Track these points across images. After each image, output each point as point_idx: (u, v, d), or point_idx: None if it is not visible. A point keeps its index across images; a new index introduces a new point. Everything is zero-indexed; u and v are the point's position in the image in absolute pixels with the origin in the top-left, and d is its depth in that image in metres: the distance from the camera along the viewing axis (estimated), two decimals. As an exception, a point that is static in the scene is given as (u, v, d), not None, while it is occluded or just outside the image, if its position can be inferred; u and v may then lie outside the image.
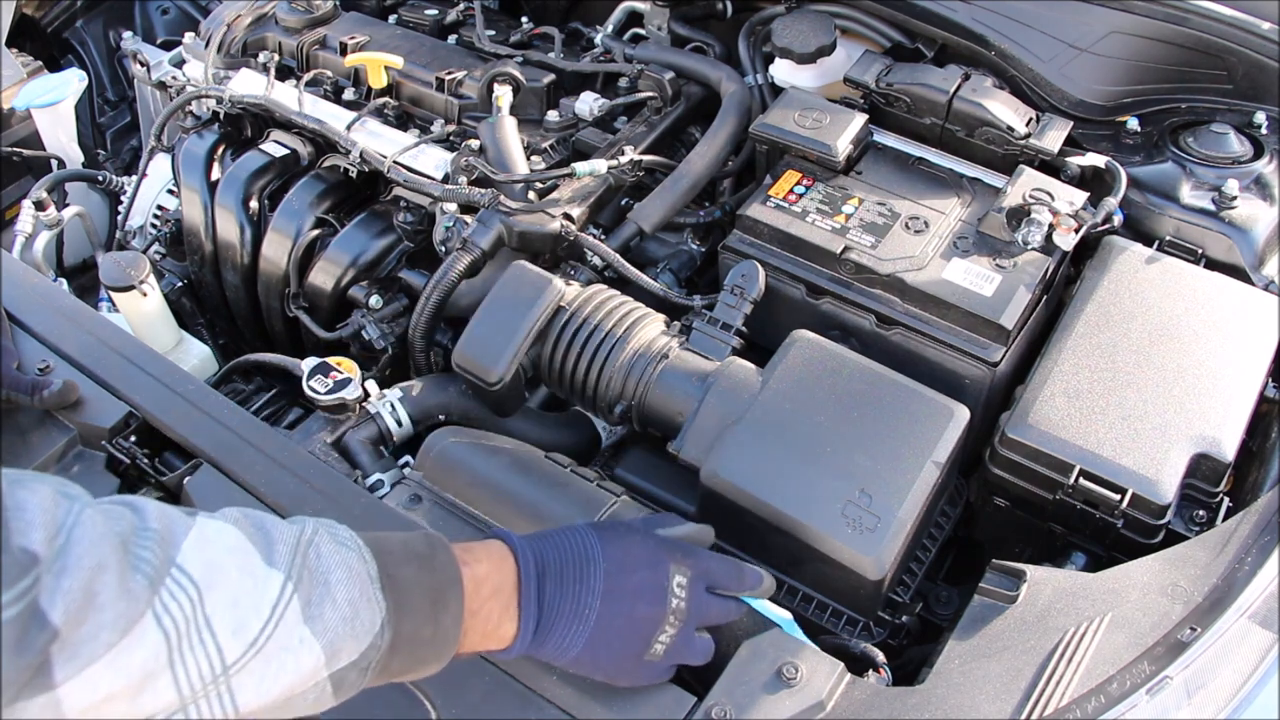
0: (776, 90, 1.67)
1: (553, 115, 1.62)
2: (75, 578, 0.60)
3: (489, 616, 0.83)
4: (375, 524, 1.04)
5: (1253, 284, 1.33)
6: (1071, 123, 1.44)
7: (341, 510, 1.05)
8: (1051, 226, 1.27)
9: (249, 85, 1.68)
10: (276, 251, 1.57)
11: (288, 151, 1.63)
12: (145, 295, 1.49)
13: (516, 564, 0.85)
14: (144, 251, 1.73)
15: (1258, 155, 1.43)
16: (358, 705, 0.91)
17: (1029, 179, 1.34)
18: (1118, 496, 1.09)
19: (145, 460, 1.13)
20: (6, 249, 1.63)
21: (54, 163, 1.94)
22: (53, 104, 1.89)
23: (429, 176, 1.51)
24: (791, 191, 1.38)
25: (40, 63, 2.02)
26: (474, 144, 1.50)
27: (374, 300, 1.50)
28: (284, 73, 1.73)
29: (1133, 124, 1.50)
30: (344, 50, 1.69)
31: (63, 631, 0.59)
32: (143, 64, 1.88)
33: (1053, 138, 1.41)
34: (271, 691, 0.69)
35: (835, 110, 1.45)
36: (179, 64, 1.84)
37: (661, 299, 1.40)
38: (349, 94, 1.68)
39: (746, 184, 1.66)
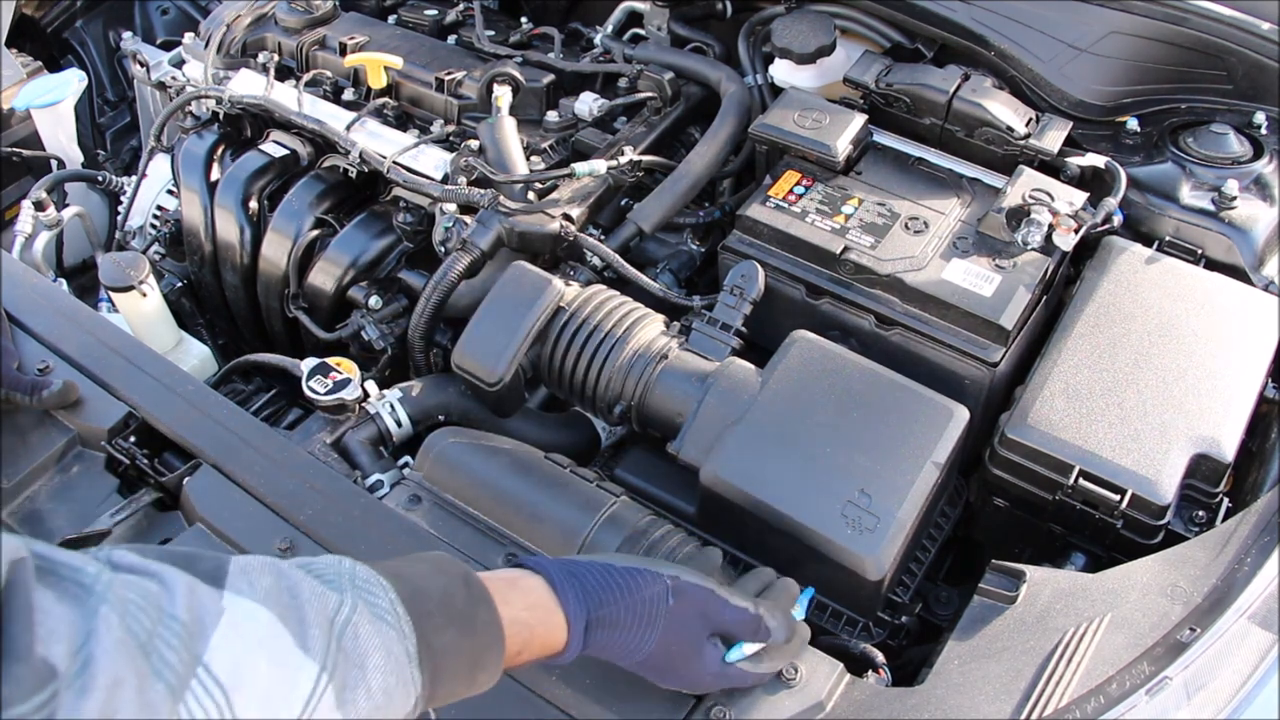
0: (776, 90, 1.67)
1: (552, 115, 1.62)
2: (94, 701, 0.56)
3: (529, 657, 0.82)
4: (375, 524, 1.04)
5: (1252, 284, 1.33)
6: (1071, 123, 1.44)
7: (341, 511, 1.05)
8: (1051, 227, 1.27)
9: (249, 85, 1.68)
10: (276, 252, 1.57)
11: (287, 152, 1.63)
12: (145, 295, 1.49)
13: (566, 650, 0.83)
14: (144, 252, 1.74)
15: (1257, 155, 1.43)
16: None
17: (1029, 179, 1.34)
18: (1117, 497, 1.09)
19: (145, 460, 1.13)
20: (6, 249, 1.63)
21: (54, 163, 1.94)
22: (53, 104, 1.89)
23: (428, 177, 1.51)
24: (791, 192, 1.38)
25: (40, 63, 2.02)
26: (473, 144, 1.50)
27: (373, 301, 1.50)
28: (284, 73, 1.73)
29: (1132, 124, 1.50)
30: (344, 50, 1.69)
31: None
32: (142, 64, 1.88)
33: (1052, 138, 1.41)
34: None
35: (835, 110, 1.45)
36: (179, 64, 1.84)
37: (661, 299, 1.40)
38: (349, 94, 1.68)
39: (746, 184, 1.66)
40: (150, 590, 0.62)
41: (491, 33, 1.79)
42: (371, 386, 1.30)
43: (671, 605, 0.87)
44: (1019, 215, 1.29)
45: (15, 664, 0.53)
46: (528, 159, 1.50)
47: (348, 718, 0.67)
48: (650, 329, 1.26)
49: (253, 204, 1.61)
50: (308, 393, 1.25)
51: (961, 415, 1.11)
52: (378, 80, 1.64)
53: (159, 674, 0.60)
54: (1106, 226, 1.34)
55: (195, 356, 1.58)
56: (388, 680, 0.70)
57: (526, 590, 0.83)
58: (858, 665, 1.00)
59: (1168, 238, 1.38)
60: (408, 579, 0.76)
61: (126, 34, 2.15)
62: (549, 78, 1.64)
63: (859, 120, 1.43)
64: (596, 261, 1.44)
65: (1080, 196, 1.32)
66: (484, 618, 0.78)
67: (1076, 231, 1.27)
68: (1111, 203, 1.33)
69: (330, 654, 0.67)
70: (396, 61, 1.62)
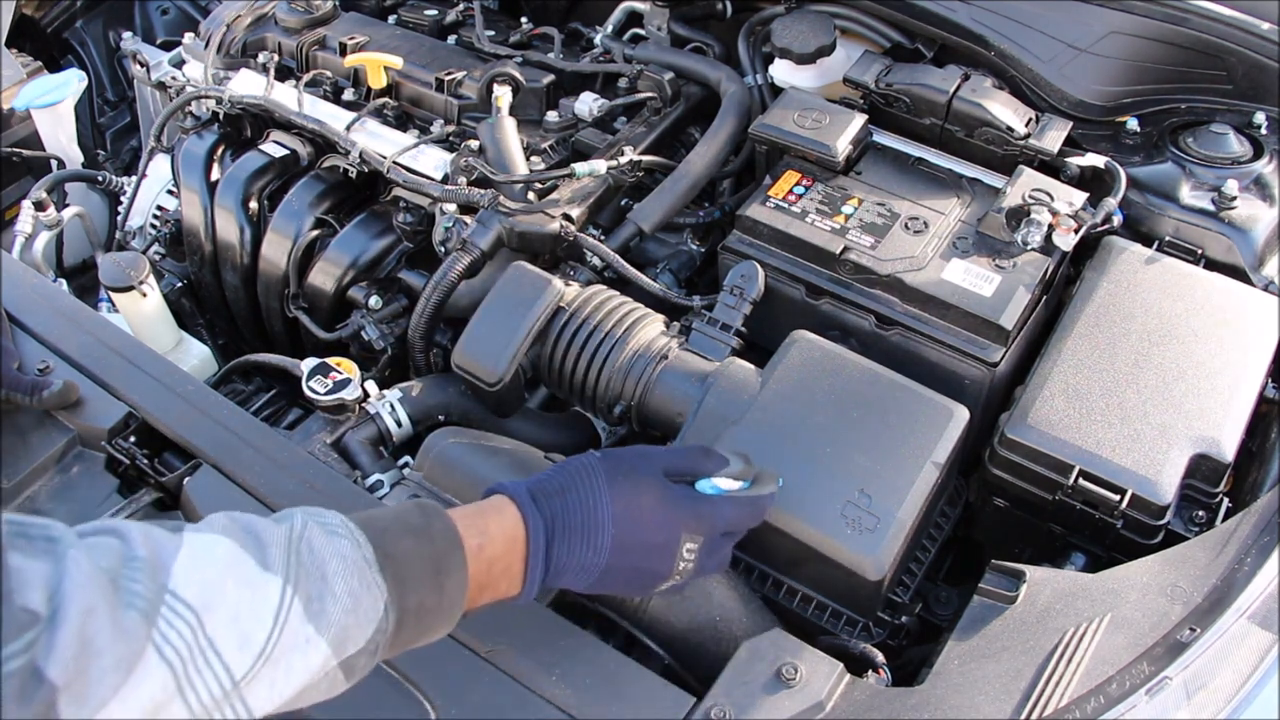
0: (776, 90, 1.67)
1: (552, 116, 1.62)
2: (68, 629, 0.60)
3: (495, 586, 0.84)
4: (375, 524, 1.04)
5: (1252, 284, 1.33)
6: (1071, 123, 1.44)
7: (341, 511, 1.05)
8: (1051, 227, 1.27)
9: (248, 86, 1.68)
10: (276, 252, 1.57)
11: (287, 152, 1.63)
12: (145, 295, 1.49)
13: (527, 535, 0.85)
14: (144, 252, 1.74)
15: (1257, 155, 1.43)
16: (358, 705, 0.91)
17: (1028, 179, 1.34)
18: (1117, 497, 1.09)
19: (145, 461, 1.13)
20: (6, 249, 1.63)
21: (54, 163, 1.94)
22: (53, 104, 1.89)
23: (428, 177, 1.51)
24: (791, 192, 1.38)
25: (40, 63, 2.02)
26: (473, 144, 1.50)
27: (373, 301, 1.50)
28: (284, 73, 1.73)
29: (1132, 124, 1.50)
30: (343, 51, 1.69)
31: (62, 685, 0.59)
32: (142, 64, 1.88)
33: (1052, 138, 1.41)
34: (284, 693, 0.70)
35: (835, 110, 1.45)
36: (178, 64, 1.84)
37: (661, 299, 1.40)
38: (349, 94, 1.68)
39: (746, 184, 1.66)
40: (111, 543, 0.66)
41: (491, 33, 1.79)
42: (371, 386, 1.30)
43: (599, 458, 0.90)
44: (1019, 215, 1.29)
45: None
46: (528, 159, 1.50)
47: (319, 628, 0.70)
48: (650, 329, 1.26)
49: (253, 204, 1.61)
50: (308, 393, 1.25)
51: (961, 415, 1.11)
52: (378, 80, 1.64)
53: (129, 604, 0.64)
54: (1106, 226, 1.34)
55: (195, 356, 1.58)
56: (351, 583, 0.73)
57: (490, 516, 0.85)
58: (858, 665, 1.00)
59: (1168, 238, 1.38)
60: (358, 512, 0.80)
61: (126, 34, 2.15)
62: (549, 78, 1.64)
63: (859, 120, 1.43)
64: (596, 261, 1.44)
65: (1080, 196, 1.32)
66: (439, 526, 0.80)
67: (1076, 231, 1.27)
68: (1111, 203, 1.33)
69: (291, 567, 0.70)
70: (396, 61, 1.62)
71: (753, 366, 1.20)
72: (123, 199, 1.81)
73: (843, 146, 1.40)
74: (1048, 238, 1.28)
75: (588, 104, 1.60)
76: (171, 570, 0.66)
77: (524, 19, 1.86)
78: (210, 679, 0.65)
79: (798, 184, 1.39)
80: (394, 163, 1.50)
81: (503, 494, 0.87)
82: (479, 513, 0.85)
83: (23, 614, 0.59)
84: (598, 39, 1.82)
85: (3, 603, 0.58)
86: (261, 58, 1.73)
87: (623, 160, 1.50)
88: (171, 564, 0.66)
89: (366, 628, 0.73)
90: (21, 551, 0.61)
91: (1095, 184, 1.40)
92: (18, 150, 1.93)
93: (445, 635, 0.82)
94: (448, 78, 1.61)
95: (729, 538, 0.95)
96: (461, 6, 1.89)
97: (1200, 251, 1.36)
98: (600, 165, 1.47)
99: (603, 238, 1.48)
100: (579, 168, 1.45)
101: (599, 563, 0.86)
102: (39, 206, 1.67)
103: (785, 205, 1.36)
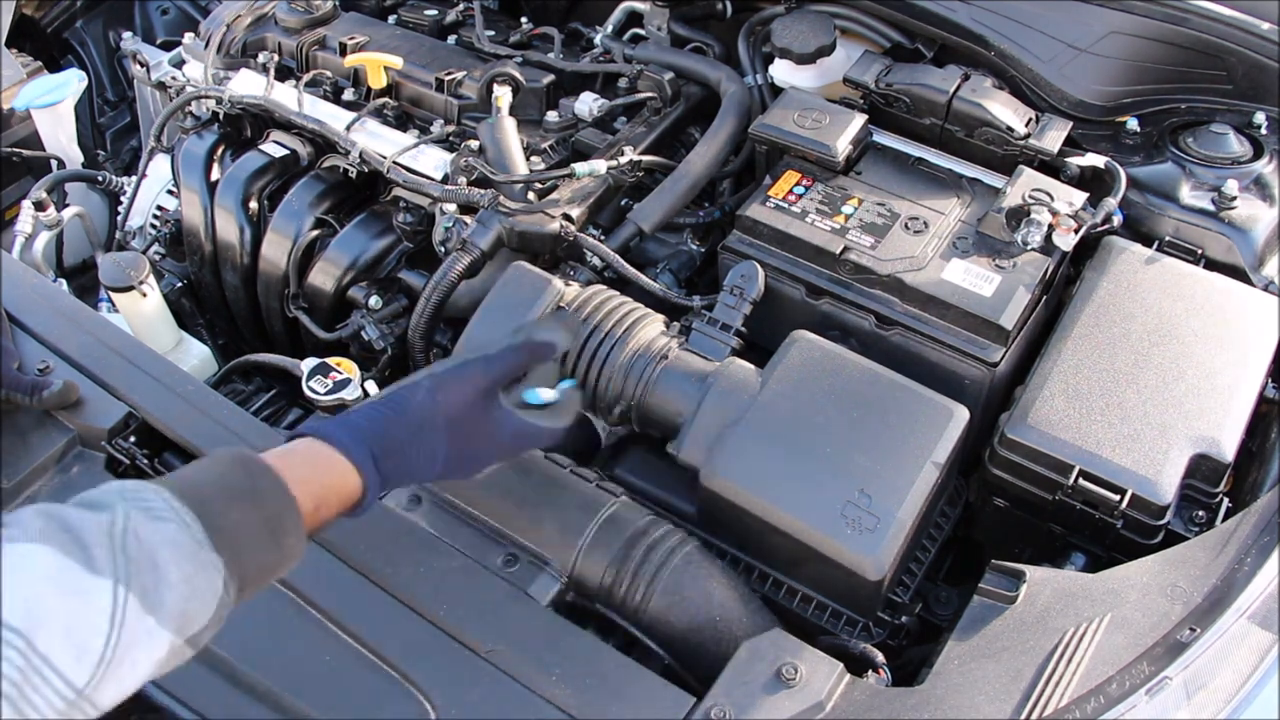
0: (776, 90, 1.67)
1: (552, 116, 1.62)
2: None
3: (329, 513, 0.84)
4: (375, 524, 1.04)
5: (1252, 284, 1.33)
6: (1071, 123, 1.44)
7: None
8: (1051, 227, 1.27)
9: (249, 86, 1.68)
10: (276, 252, 1.57)
11: (287, 152, 1.63)
12: (145, 296, 1.49)
13: (364, 483, 0.85)
14: (144, 252, 1.73)
15: (1257, 155, 1.43)
16: (358, 705, 0.91)
17: (1028, 179, 1.34)
18: (1117, 497, 1.09)
19: (145, 461, 1.13)
20: (6, 249, 1.63)
21: (54, 163, 1.94)
22: (53, 104, 1.89)
23: (428, 177, 1.50)
24: (791, 192, 1.38)
25: (40, 63, 2.02)
26: (473, 144, 1.50)
27: (373, 301, 1.50)
28: (283, 73, 1.73)
29: (1132, 124, 1.50)
30: (343, 51, 1.69)
31: None
32: (142, 64, 1.88)
33: (1052, 138, 1.41)
34: (133, 684, 0.68)
35: (835, 110, 1.45)
36: (178, 64, 1.84)
37: (661, 299, 1.40)
38: (349, 94, 1.68)
39: (746, 184, 1.66)
40: None
41: (491, 33, 1.79)
42: (371, 386, 1.30)
43: (439, 399, 0.91)
44: (1019, 215, 1.29)
45: None
46: (528, 159, 1.50)
47: (160, 620, 0.68)
48: (650, 329, 1.26)
49: (253, 204, 1.61)
50: (308, 393, 1.25)
51: (961, 415, 1.11)
52: (378, 80, 1.64)
53: None
54: (1106, 226, 1.34)
55: (195, 356, 1.58)
56: (184, 569, 0.70)
57: (303, 452, 0.85)
58: (858, 665, 1.00)
59: (1168, 238, 1.38)
60: (181, 477, 0.77)
61: (126, 34, 2.15)
62: (549, 78, 1.64)
63: (859, 120, 1.43)
64: (596, 261, 1.44)
65: (1080, 196, 1.32)
66: (266, 485, 0.78)
67: (1076, 231, 1.27)
68: (1111, 203, 1.33)
69: (119, 566, 0.67)
70: (396, 61, 1.62)
71: (753, 366, 1.20)
72: (123, 199, 1.81)
73: (843, 146, 1.40)
74: (1048, 238, 1.28)
75: (588, 104, 1.60)
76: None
77: (524, 19, 1.86)
78: (50, 694, 0.63)
79: (798, 184, 1.39)
80: (394, 163, 1.50)
81: (334, 449, 0.86)
82: (310, 464, 0.84)
83: None
84: (598, 39, 1.81)
85: None
86: (261, 58, 1.73)
87: (623, 160, 1.50)
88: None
89: (208, 606, 0.72)
90: None
91: (1095, 184, 1.40)
92: (18, 150, 1.93)
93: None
94: (448, 78, 1.61)
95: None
96: (461, 6, 1.89)
97: (1200, 251, 1.36)
98: (600, 165, 1.46)
99: (603, 238, 1.48)
100: (579, 168, 1.45)
101: (435, 471, 0.91)
102: (39, 206, 1.67)
103: (785, 205, 1.36)
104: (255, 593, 0.77)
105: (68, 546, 0.67)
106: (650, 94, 1.65)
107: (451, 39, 1.83)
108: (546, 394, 0.98)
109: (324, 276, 1.53)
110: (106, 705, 0.66)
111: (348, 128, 1.57)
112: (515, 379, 0.99)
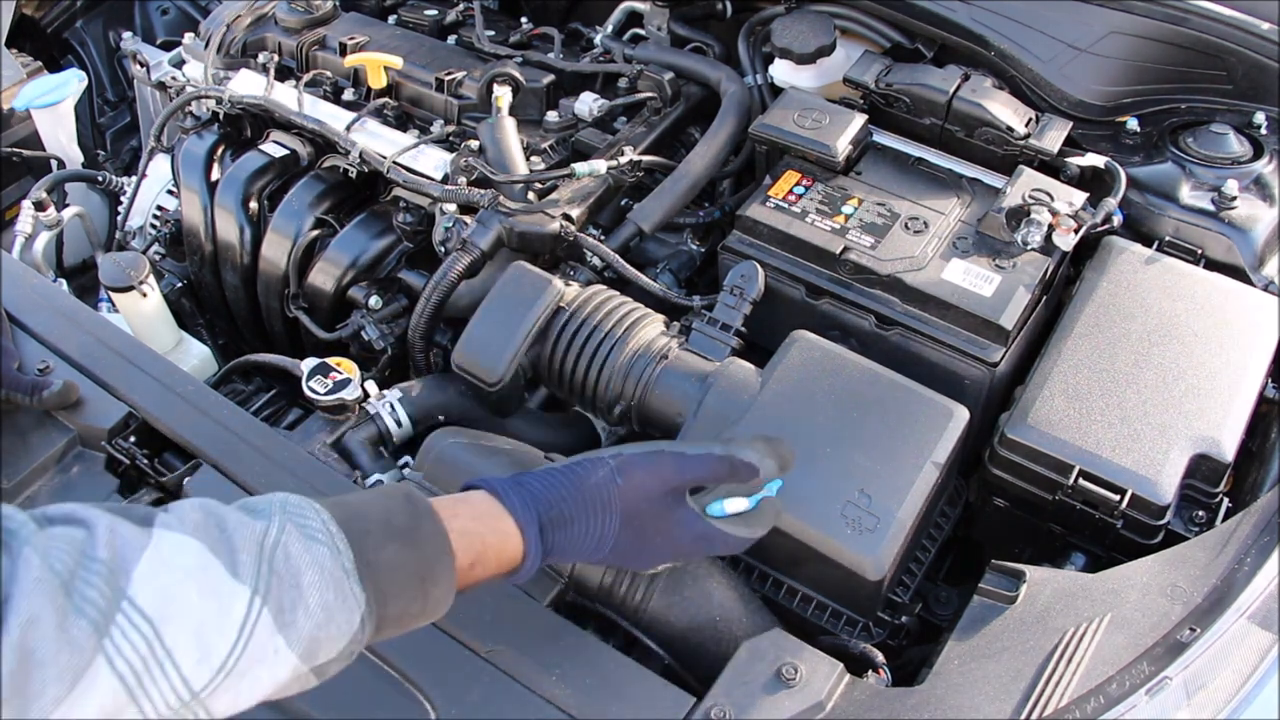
0: (776, 90, 1.67)
1: (552, 116, 1.62)
2: (7, 642, 0.58)
3: (484, 573, 0.82)
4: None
5: (1252, 284, 1.33)
6: (1071, 123, 1.44)
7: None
8: (1051, 227, 1.27)
9: (249, 86, 1.68)
10: (276, 252, 1.57)
11: (287, 152, 1.63)
12: (145, 296, 1.49)
13: (524, 557, 0.83)
14: (144, 252, 1.73)
15: (1257, 155, 1.43)
16: (358, 705, 0.91)
17: (1028, 179, 1.34)
18: (1117, 497, 1.09)
19: (145, 461, 1.13)
20: (6, 249, 1.63)
21: (54, 163, 1.94)
22: (53, 104, 1.89)
23: (428, 177, 1.50)
24: (791, 192, 1.38)
25: (40, 63, 2.02)
26: (473, 144, 1.50)
27: (373, 301, 1.50)
28: (284, 73, 1.73)
29: (1132, 124, 1.50)
30: (343, 51, 1.69)
31: (6, 695, 0.57)
32: (142, 64, 1.88)
33: (1052, 138, 1.41)
34: (249, 700, 0.68)
35: (835, 110, 1.45)
36: (178, 64, 1.84)
37: (661, 299, 1.40)
38: (349, 94, 1.68)
39: (746, 184, 1.66)
40: (75, 536, 0.63)
41: (491, 33, 1.79)
42: (371, 386, 1.30)
43: (621, 484, 0.86)
44: (1019, 215, 1.29)
45: None
46: (528, 159, 1.50)
47: (289, 641, 0.67)
48: (650, 329, 1.26)
49: (253, 204, 1.61)
50: (308, 393, 1.25)
51: (961, 415, 1.11)
52: (378, 80, 1.64)
53: (81, 611, 0.61)
54: (1106, 226, 1.33)
55: (195, 356, 1.58)
56: (325, 596, 0.69)
57: (473, 503, 0.83)
58: (858, 665, 1.00)
59: (1168, 238, 1.38)
60: (346, 504, 0.76)
61: (126, 34, 2.15)
62: (549, 78, 1.64)
63: (859, 120, 1.43)
64: (596, 261, 1.44)
65: (1080, 196, 1.32)
66: (428, 530, 0.77)
67: (1076, 231, 1.27)
68: (1111, 203, 1.33)
69: (262, 576, 0.67)
70: (396, 61, 1.62)
71: (753, 366, 1.20)
72: (123, 199, 1.81)
73: (843, 146, 1.40)
74: (1048, 238, 1.28)
75: (588, 104, 1.60)
76: (132, 575, 0.63)
77: (524, 19, 1.86)
78: (167, 690, 0.63)
79: (798, 184, 1.39)
80: (394, 163, 1.50)
81: (503, 507, 0.83)
82: (476, 519, 0.82)
83: None
84: (598, 39, 1.81)
85: None
86: (261, 58, 1.73)
87: (623, 160, 1.50)
88: (133, 568, 0.63)
89: (340, 640, 0.71)
90: None
91: (1095, 184, 1.40)
92: (18, 150, 1.93)
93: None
94: (448, 78, 1.61)
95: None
96: (461, 6, 1.89)
97: (1200, 251, 1.36)
98: (600, 165, 1.46)
99: (603, 238, 1.48)
100: (579, 168, 1.45)
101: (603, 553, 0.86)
102: (39, 206, 1.67)
103: (785, 205, 1.36)
104: (390, 636, 0.75)
105: (217, 546, 0.67)
106: (650, 94, 1.65)
107: (451, 39, 1.83)
108: (736, 504, 0.90)
109: (324, 276, 1.53)
110: (218, 715, 0.66)
111: (348, 128, 1.57)
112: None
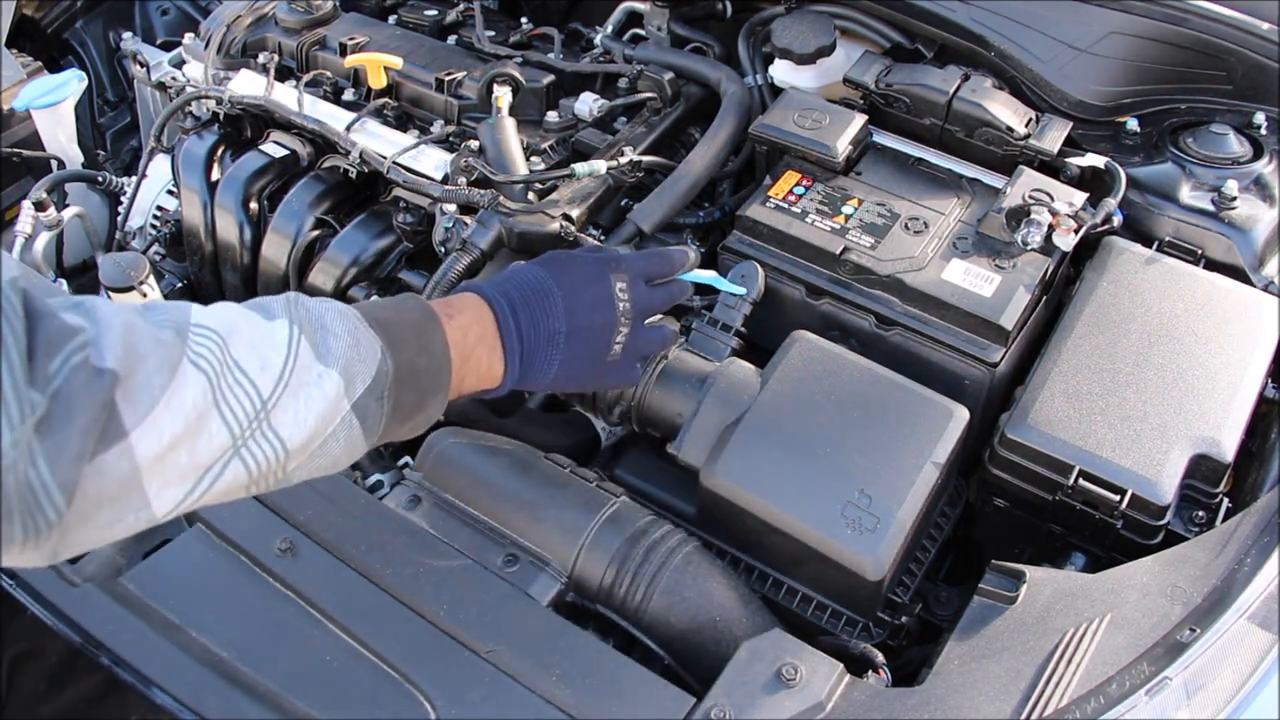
0: (776, 91, 1.67)
1: (552, 116, 1.61)
2: (113, 333, 0.65)
3: (479, 359, 0.92)
4: (375, 524, 1.05)
5: (1252, 284, 1.33)
6: (1071, 123, 1.44)
7: (341, 511, 1.05)
8: (1051, 227, 1.27)
9: (249, 86, 1.68)
10: (276, 252, 1.57)
11: (287, 152, 1.63)
12: (145, 296, 1.49)
13: (493, 310, 0.95)
14: (144, 252, 1.73)
15: (1257, 156, 1.43)
16: (358, 705, 0.91)
17: (1028, 179, 1.34)
18: (1117, 497, 1.09)
19: (145, 461, 1.13)
20: (6, 249, 1.63)
21: (54, 163, 1.94)
22: (53, 104, 1.89)
23: (429, 177, 1.50)
24: (791, 192, 1.38)
25: (40, 63, 2.02)
26: (473, 145, 1.50)
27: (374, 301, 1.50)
28: (284, 73, 1.73)
29: (1132, 124, 1.50)
30: (344, 51, 1.69)
31: (120, 376, 0.64)
32: (142, 65, 1.88)
33: (1052, 138, 1.41)
34: (308, 422, 0.75)
35: (835, 111, 1.45)
36: (179, 65, 1.84)
37: (661, 299, 1.40)
38: (349, 95, 1.68)
39: (746, 184, 1.66)
40: (131, 299, 0.76)
41: (491, 33, 1.79)
42: (371, 387, 1.29)
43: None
44: (1019, 215, 1.29)
45: (45, 320, 0.63)
46: (528, 159, 1.50)
47: (328, 363, 0.77)
48: (650, 329, 1.26)
49: (253, 204, 1.61)
50: (308, 393, 1.25)
51: (961, 415, 1.11)
52: (378, 80, 1.64)
53: (161, 325, 0.70)
54: (1106, 226, 1.33)
55: (195, 357, 1.58)
56: (350, 325, 0.80)
57: (459, 298, 0.96)
58: (858, 665, 1.00)
59: (1168, 238, 1.38)
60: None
61: (126, 34, 2.15)
62: (549, 78, 1.64)
63: (859, 120, 1.43)
64: (596, 262, 1.44)
65: (1080, 196, 1.32)
66: (411, 303, 0.89)
67: (1076, 231, 1.27)
68: (1111, 203, 1.33)
69: (294, 314, 0.77)
70: (396, 62, 1.62)
71: (753, 366, 1.20)
72: (123, 199, 1.81)
73: (843, 147, 1.40)
74: (1048, 238, 1.28)
75: (588, 104, 1.60)
76: (190, 312, 0.73)
77: (524, 19, 1.86)
78: (241, 395, 0.71)
79: (798, 184, 1.39)
80: (394, 163, 1.50)
81: (464, 291, 0.97)
82: (456, 301, 0.95)
83: (68, 327, 0.64)
84: (598, 39, 1.81)
85: (46, 318, 0.63)
86: (261, 58, 1.73)
87: (623, 160, 1.50)
88: (189, 310, 0.73)
89: (370, 365, 0.79)
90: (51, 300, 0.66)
91: (1095, 184, 1.40)
92: (18, 150, 1.93)
93: (440, 417, 0.90)
94: (448, 78, 1.61)
95: (656, 290, 1.08)
96: (461, 6, 1.89)
97: (1200, 251, 1.36)
98: (600, 165, 1.46)
99: (603, 238, 1.48)
100: (579, 168, 1.45)
101: (560, 328, 0.97)
102: (39, 207, 1.67)
103: (785, 205, 1.36)
104: (411, 410, 0.85)
105: (249, 308, 0.77)
106: (650, 94, 1.65)
107: (451, 39, 1.83)
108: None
109: (324, 277, 1.53)
110: (285, 436, 0.74)
111: (348, 128, 1.57)
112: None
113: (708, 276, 1.21)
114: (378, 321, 0.82)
